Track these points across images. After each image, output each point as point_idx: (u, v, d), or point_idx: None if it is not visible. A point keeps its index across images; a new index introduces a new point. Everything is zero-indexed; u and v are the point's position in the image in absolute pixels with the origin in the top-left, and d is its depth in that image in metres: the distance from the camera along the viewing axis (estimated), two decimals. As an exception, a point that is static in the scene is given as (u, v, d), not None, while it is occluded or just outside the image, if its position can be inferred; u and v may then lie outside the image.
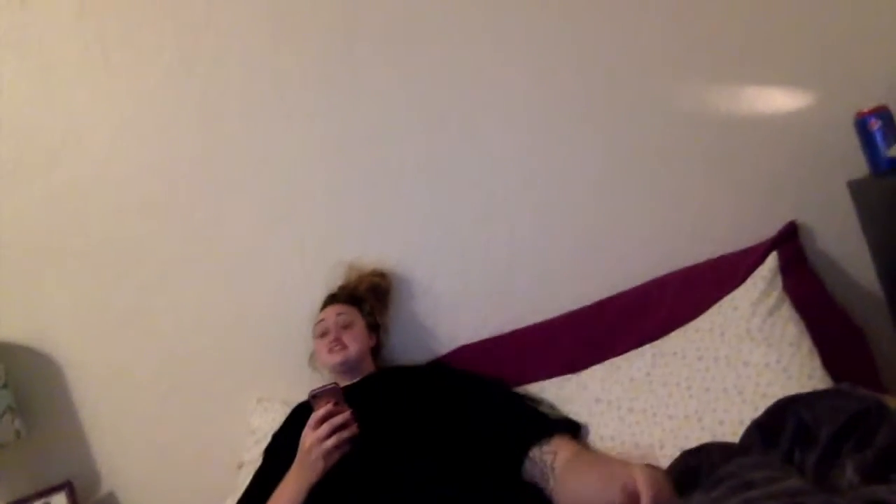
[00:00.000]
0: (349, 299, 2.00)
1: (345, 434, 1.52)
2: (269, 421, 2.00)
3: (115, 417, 2.15)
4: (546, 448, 1.52)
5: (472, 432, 1.61)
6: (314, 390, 1.55)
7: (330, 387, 1.55)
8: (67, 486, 2.06)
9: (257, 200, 2.14)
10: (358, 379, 1.86)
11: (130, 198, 2.14)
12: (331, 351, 1.86)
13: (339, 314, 1.92)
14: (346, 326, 1.90)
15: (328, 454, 1.51)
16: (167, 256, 2.15)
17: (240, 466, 1.99)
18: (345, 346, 1.86)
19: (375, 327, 2.02)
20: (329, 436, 1.51)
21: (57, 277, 2.15)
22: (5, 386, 2.03)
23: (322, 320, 1.93)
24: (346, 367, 1.86)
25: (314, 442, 1.51)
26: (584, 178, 2.06)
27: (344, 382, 1.84)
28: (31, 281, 2.15)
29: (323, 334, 1.91)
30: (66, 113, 2.15)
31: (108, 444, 2.15)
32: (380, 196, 2.11)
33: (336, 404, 1.54)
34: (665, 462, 1.38)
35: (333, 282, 2.07)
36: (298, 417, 1.76)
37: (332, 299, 2.02)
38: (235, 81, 2.12)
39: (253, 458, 1.94)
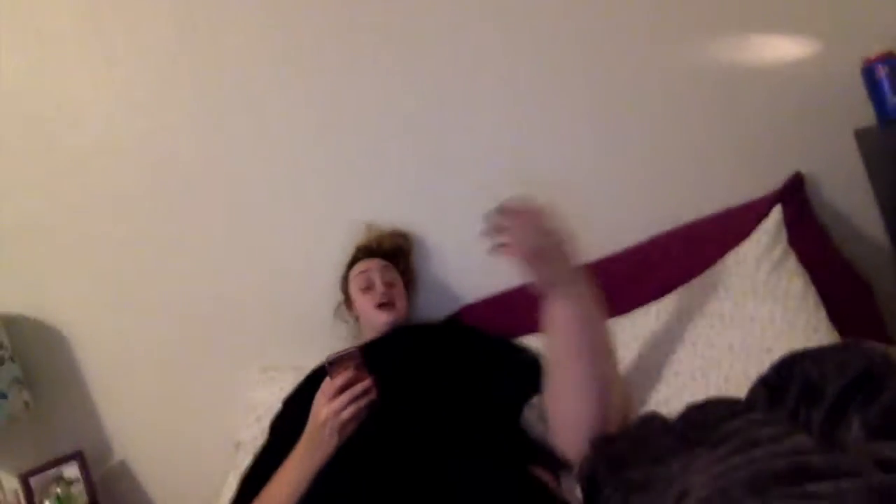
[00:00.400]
0: (385, 255, 1.95)
1: (363, 403, 1.38)
2: (276, 392, 1.91)
3: (123, 387, 2.16)
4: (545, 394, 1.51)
5: (481, 388, 1.59)
6: (331, 355, 1.39)
7: (350, 351, 1.40)
8: (78, 456, 2.08)
9: (258, 165, 2.12)
10: (383, 334, 1.80)
11: (130, 169, 2.13)
12: (380, 307, 1.80)
13: (383, 268, 1.87)
14: (392, 284, 1.86)
15: (343, 427, 1.38)
16: (167, 226, 2.13)
17: (236, 447, 1.95)
18: (395, 306, 1.81)
19: (407, 286, 1.98)
20: (346, 406, 1.37)
21: (60, 250, 2.15)
22: (12, 359, 2.04)
23: (365, 271, 1.86)
24: (391, 327, 1.80)
25: (330, 414, 1.37)
26: (583, 135, 2.03)
27: (370, 336, 1.81)
28: (35, 254, 2.15)
29: (368, 287, 1.84)
30: (61, 85, 2.12)
31: (117, 414, 2.16)
32: (388, 161, 2.09)
33: (357, 370, 1.39)
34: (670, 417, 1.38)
35: (349, 241, 2.04)
36: (315, 383, 1.54)
37: (368, 253, 1.96)
38: (233, 48, 2.09)
39: (253, 435, 1.88)
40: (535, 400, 1.54)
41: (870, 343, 1.17)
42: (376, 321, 1.81)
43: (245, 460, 1.69)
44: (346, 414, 1.37)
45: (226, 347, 2.14)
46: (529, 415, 1.53)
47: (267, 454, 1.60)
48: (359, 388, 1.38)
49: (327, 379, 1.40)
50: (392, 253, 1.97)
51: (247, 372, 2.10)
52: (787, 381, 1.15)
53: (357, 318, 1.94)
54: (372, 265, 1.88)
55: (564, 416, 1.37)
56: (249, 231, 2.13)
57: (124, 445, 2.17)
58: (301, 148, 2.11)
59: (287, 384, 1.89)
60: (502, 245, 1.35)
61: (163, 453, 2.16)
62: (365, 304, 1.84)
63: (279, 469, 1.46)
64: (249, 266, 2.13)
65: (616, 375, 1.42)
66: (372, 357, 1.44)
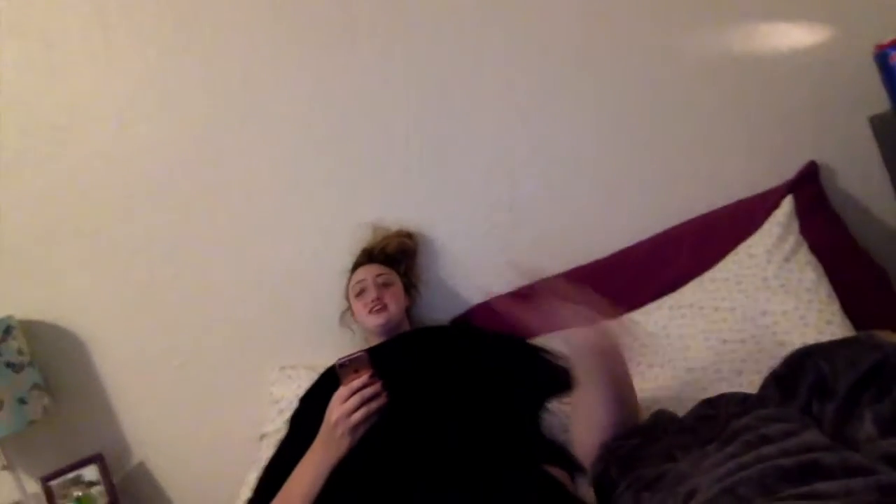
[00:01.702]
0: (385, 260, 1.97)
1: (373, 406, 1.43)
2: (294, 389, 1.98)
3: (142, 390, 2.17)
4: (566, 401, 1.51)
5: (494, 389, 1.59)
6: (341, 359, 1.44)
7: (358, 355, 1.45)
8: (98, 458, 2.09)
9: (268, 168, 2.11)
10: (393, 336, 1.82)
11: (142, 174, 2.13)
12: (372, 311, 1.81)
13: (378, 274, 1.88)
14: (386, 286, 1.87)
15: (355, 429, 1.43)
16: (180, 228, 2.14)
17: (261, 438, 2.00)
18: (385, 307, 1.82)
19: (409, 288, 1.99)
20: (357, 409, 1.42)
21: (77, 257, 2.15)
22: (32, 364, 2.05)
23: (361, 280, 1.89)
24: (386, 329, 1.81)
25: (341, 416, 1.42)
26: (593, 129, 2.02)
27: (373, 342, 1.83)
28: (53, 261, 2.16)
29: (362, 293, 1.86)
30: (70, 90, 2.13)
31: (136, 417, 2.17)
32: (391, 164, 2.08)
33: (366, 374, 1.44)
34: (682, 412, 1.37)
35: (356, 244, 2.05)
36: (328, 382, 1.68)
37: (367, 258, 1.98)
38: (237, 53, 2.09)
39: (276, 428, 1.94)
40: (555, 407, 1.52)
41: (880, 337, 1.15)
42: (369, 324, 1.83)
43: (268, 452, 1.75)
44: (357, 416, 1.42)
45: (242, 349, 2.15)
46: (551, 421, 1.52)
47: (285, 449, 1.65)
48: (368, 391, 1.43)
49: (340, 385, 1.45)
50: (395, 256, 1.99)
51: (265, 372, 2.11)
52: (798, 375, 1.14)
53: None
54: (368, 273, 1.89)
55: (586, 439, 1.37)
56: (261, 233, 2.13)
57: (143, 448, 2.18)
58: (310, 151, 2.10)
59: (304, 382, 1.94)
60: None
61: (182, 455, 2.17)
62: (359, 309, 1.86)
63: (296, 468, 1.50)
64: (262, 269, 2.14)
65: (635, 402, 1.41)
66: (379, 360, 1.48)
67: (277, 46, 2.08)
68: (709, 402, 1.26)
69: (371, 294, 1.83)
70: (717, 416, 1.18)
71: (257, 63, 2.08)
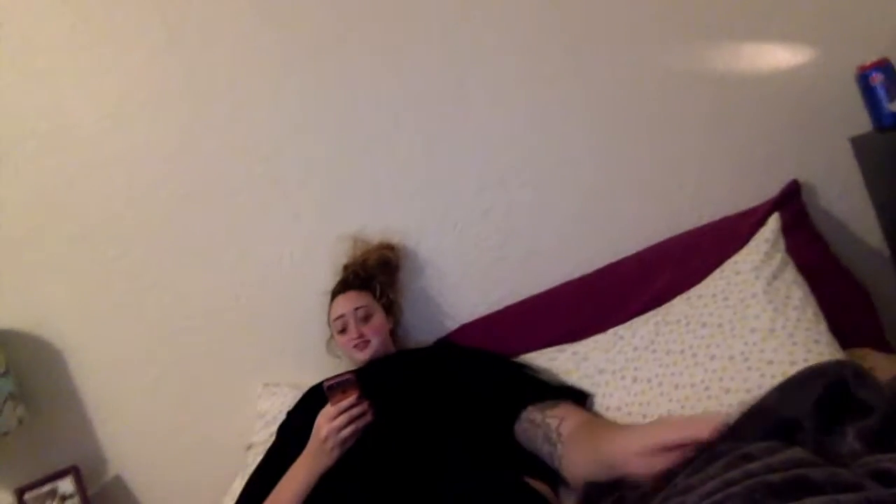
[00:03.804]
0: (361, 282, 1.96)
1: (360, 423, 1.53)
2: (278, 405, 1.99)
3: (119, 401, 2.14)
4: (550, 413, 1.50)
5: (472, 399, 1.62)
6: (329, 381, 1.53)
7: (346, 377, 1.54)
8: (74, 471, 2.06)
9: (251, 178, 2.10)
10: (376, 358, 1.86)
11: (122, 180, 2.12)
12: (356, 347, 1.84)
13: (356, 308, 1.87)
14: (366, 318, 1.88)
15: (343, 443, 1.52)
16: (162, 238, 2.12)
17: (248, 448, 1.99)
18: (367, 341, 1.84)
19: (390, 307, 1.99)
20: (346, 426, 1.51)
21: (53, 263, 2.14)
22: (6, 373, 2.02)
23: (340, 316, 1.88)
24: (374, 360, 1.85)
25: (330, 432, 1.51)
26: (579, 145, 2.02)
27: (360, 364, 1.85)
28: (29, 268, 2.14)
29: (343, 329, 1.88)
30: (52, 96, 2.11)
31: (112, 428, 2.15)
32: (376, 172, 2.08)
33: (354, 394, 1.53)
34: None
35: (338, 257, 2.05)
36: (314, 398, 1.75)
37: (344, 286, 1.97)
38: (223, 57, 2.08)
39: (262, 439, 1.94)
40: (534, 415, 1.52)
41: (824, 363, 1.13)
42: (355, 358, 1.87)
43: (255, 461, 1.78)
44: (345, 432, 1.51)
45: (222, 361, 2.13)
46: (532, 429, 1.52)
47: (274, 457, 1.72)
48: (356, 410, 1.53)
49: (329, 403, 1.54)
50: (375, 271, 1.99)
51: (246, 385, 2.10)
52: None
53: None
54: (346, 307, 1.89)
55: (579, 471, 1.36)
56: (242, 242, 2.12)
57: (120, 460, 2.15)
58: (295, 158, 2.09)
59: (288, 399, 1.96)
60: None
61: (158, 468, 2.14)
62: (343, 344, 1.89)
63: (285, 476, 1.58)
64: (242, 281, 2.13)
65: None
66: (364, 381, 1.56)
67: (263, 53, 2.08)
68: None
69: (353, 332, 1.85)
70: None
71: (242, 71, 2.08)
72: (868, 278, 1.84)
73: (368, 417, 1.54)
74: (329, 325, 1.95)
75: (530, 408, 1.54)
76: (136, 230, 2.13)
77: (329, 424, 1.51)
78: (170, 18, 2.08)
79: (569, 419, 1.47)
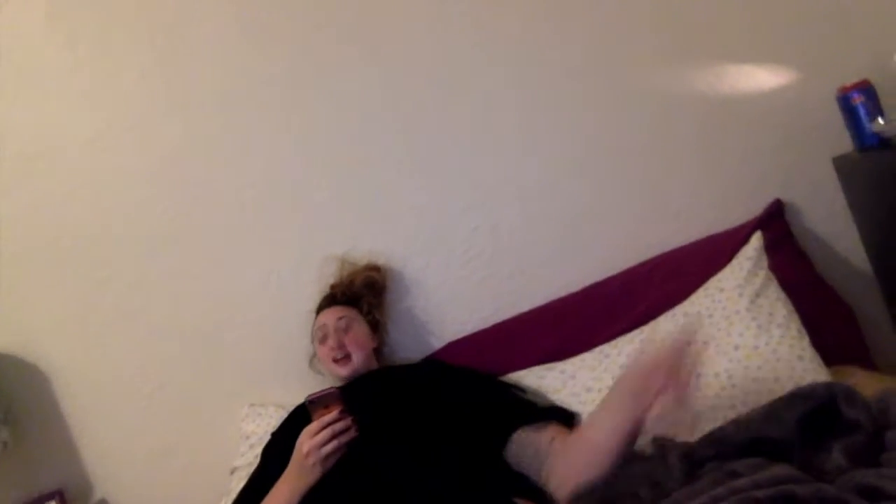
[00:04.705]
0: (347, 300, 1.95)
1: (343, 439, 1.49)
2: (263, 426, 1.98)
3: (105, 424, 2.12)
4: (541, 432, 1.51)
5: (461, 419, 1.60)
6: (311, 396, 1.50)
7: (329, 392, 1.51)
8: (58, 495, 2.04)
9: (240, 199, 2.10)
10: (360, 375, 1.83)
11: (110, 202, 2.11)
12: (336, 361, 1.81)
13: (339, 318, 1.86)
14: (348, 330, 1.85)
15: (326, 459, 1.49)
16: (149, 260, 2.11)
17: (232, 472, 1.97)
18: (348, 356, 1.81)
19: (375, 326, 1.97)
20: (328, 442, 1.48)
21: (39, 285, 2.12)
22: (-8, 396, 2.01)
23: (322, 325, 1.87)
24: (353, 376, 1.81)
25: (312, 447, 1.48)
26: (566, 164, 2.03)
27: (342, 381, 1.82)
28: (14, 289, 2.12)
29: (324, 339, 1.85)
30: (41, 118, 2.11)
31: (98, 451, 2.12)
32: (364, 191, 2.08)
33: (336, 410, 1.50)
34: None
35: (325, 278, 2.04)
36: (298, 417, 1.72)
37: (330, 301, 1.96)
38: (210, 79, 2.08)
39: (247, 462, 1.92)
40: (524, 436, 1.52)
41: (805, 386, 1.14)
42: (335, 373, 1.84)
43: (239, 483, 1.76)
44: (327, 448, 1.48)
45: (209, 384, 2.11)
46: (522, 450, 1.52)
47: (257, 479, 1.69)
48: (339, 426, 1.49)
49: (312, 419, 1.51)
50: (361, 292, 1.97)
51: (232, 408, 2.08)
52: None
53: None
54: (329, 318, 1.88)
55: (576, 462, 1.37)
56: (230, 264, 2.11)
57: (105, 484, 2.12)
58: (282, 179, 2.09)
59: (273, 419, 1.95)
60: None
61: (144, 491, 2.11)
62: (323, 356, 1.86)
63: (269, 494, 1.56)
64: (229, 304, 2.11)
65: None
66: (348, 394, 1.54)
67: (251, 76, 2.08)
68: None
69: (332, 341, 1.82)
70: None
71: (230, 94, 2.09)
72: (852, 296, 1.86)
73: (352, 433, 1.50)
74: (312, 341, 1.94)
75: (520, 430, 1.54)
76: (124, 252, 2.11)
77: (311, 441, 1.48)
78: (158, 41, 2.08)
79: (559, 437, 1.49)
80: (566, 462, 1.42)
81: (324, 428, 1.48)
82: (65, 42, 2.10)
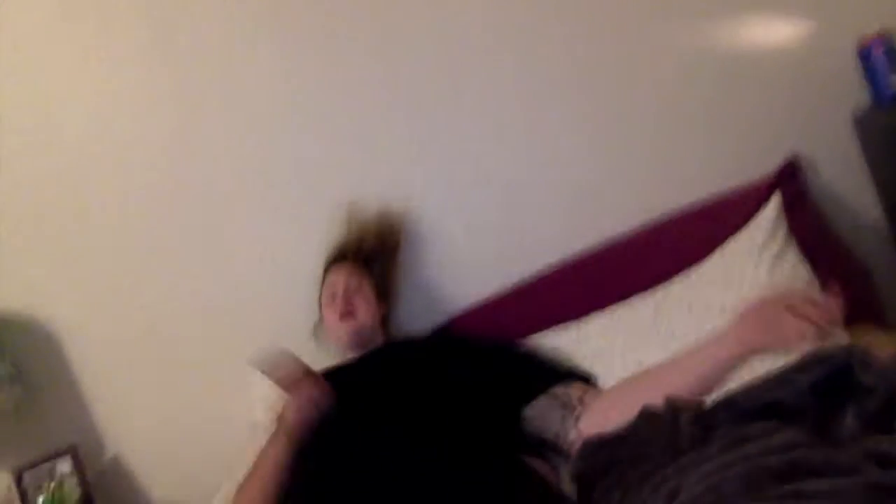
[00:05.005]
0: (358, 261, 1.89)
1: (316, 391, 1.52)
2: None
3: (117, 383, 2.14)
4: (571, 389, 1.50)
5: (480, 390, 1.57)
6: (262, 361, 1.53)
7: (284, 357, 1.54)
8: (72, 451, 2.06)
9: (243, 171, 2.09)
10: (366, 352, 1.77)
11: (113, 169, 2.11)
12: (342, 318, 1.76)
13: (350, 276, 1.82)
14: (357, 289, 1.80)
15: (300, 409, 1.51)
16: (154, 222, 2.11)
17: (253, 427, 1.92)
18: (355, 315, 1.76)
19: (385, 293, 1.92)
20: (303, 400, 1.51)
21: (50, 248, 2.13)
22: (1, 355, 2.02)
23: (332, 283, 1.82)
24: (357, 339, 1.77)
25: (286, 405, 1.53)
26: (579, 124, 2.00)
27: (351, 355, 1.78)
28: (23, 252, 2.13)
29: (332, 298, 1.80)
30: (40, 93, 2.10)
31: (110, 410, 2.14)
32: (371, 152, 2.06)
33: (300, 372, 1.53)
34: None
35: (331, 231, 2.00)
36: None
37: (340, 258, 1.91)
38: (211, 56, 2.07)
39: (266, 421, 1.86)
40: (553, 392, 1.52)
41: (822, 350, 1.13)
42: (339, 333, 1.79)
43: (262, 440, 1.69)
44: (300, 398, 1.51)
45: (221, 341, 2.12)
46: (549, 405, 1.50)
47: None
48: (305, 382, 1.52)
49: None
50: (369, 257, 1.91)
51: (246, 365, 2.08)
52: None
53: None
54: (339, 277, 1.83)
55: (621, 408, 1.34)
56: (230, 236, 2.11)
57: (118, 440, 2.15)
58: (285, 159, 2.08)
59: None
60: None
61: (157, 449, 2.14)
62: (329, 316, 1.81)
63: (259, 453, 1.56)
64: (230, 272, 2.12)
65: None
66: (359, 371, 1.58)
67: (252, 52, 2.07)
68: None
69: (340, 302, 1.77)
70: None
71: (230, 70, 2.08)
72: (867, 255, 1.83)
73: (319, 387, 1.53)
74: (319, 306, 1.89)
75: (549, 389, 1.52)
76: (130, 216, 2.12)
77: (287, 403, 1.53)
78: (158, 17, 2.06)
79: (588, 392, 1.49)
80: (616, 397, 1.42)
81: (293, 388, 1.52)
82: (63, 16, 2.08)
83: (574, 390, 1.50)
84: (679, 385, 1.27)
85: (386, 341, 1.85)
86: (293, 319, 2.05)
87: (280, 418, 1.51)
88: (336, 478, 1.47)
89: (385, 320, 1.90)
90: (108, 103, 2.10)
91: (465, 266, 2.06)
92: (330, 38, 2.03)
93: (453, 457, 1.42)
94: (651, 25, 1.96)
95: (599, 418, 1.37)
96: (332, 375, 1.65)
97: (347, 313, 1.76)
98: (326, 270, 1.91)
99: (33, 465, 2.04)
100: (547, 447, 1.50)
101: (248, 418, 1.99)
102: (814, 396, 1.02)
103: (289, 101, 2.07)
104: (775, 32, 1.93)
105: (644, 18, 1.96)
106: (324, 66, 2.04)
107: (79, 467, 2.05)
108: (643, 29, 1.96)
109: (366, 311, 1.79)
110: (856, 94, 1.85)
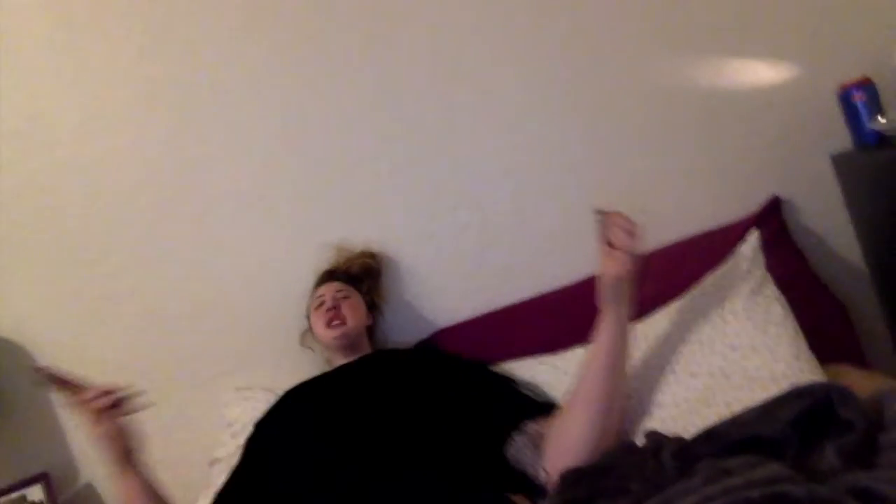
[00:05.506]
0: (347, 279, 1.95)
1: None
2: (249, 410, 1.91)
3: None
4: (541, 426, 1.51)
5: (456, 416, 1.57)
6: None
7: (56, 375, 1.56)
8: (44, 478, 2.03)
9: (232, 183, 2.09)
10: (353, 359, 1.81)
11: (101, 184, 2.09)
12: (329, 324, 1.80)
13: (338, 290, 1.87)
14: (345, 297, 1.86)
15: (96, 421, 1.55)
16: (140, 243, 2.09)
17: (212, 464, 1.92)
18: (343, 320, 1.81)
19: (372, 307, 1.98)
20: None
21: (27, 267, 2.10)
22: (-26, 379, 1.99)
23: (321, 294, 1.88)
24: (345, 342, 1.81)
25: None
26: (562, 156, 2.02)
27: (339, 361, 1.81)
28: (2, 271, 2.10)
29: (320, 305, 1.85)
30: (33, 100, 2.09)
31: (83, 436, 2.09)
32: (358, 180, 2.07)
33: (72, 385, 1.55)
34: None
35: (320, 264, 2.03)
36: (285, 405, 1.71)
37: (329, 276, 1.96)
38: (206, 62, 2.07)
39: (229, 452, 1.87)
40: (525, 433, 1.52)
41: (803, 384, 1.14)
42: (326, 338, 1.82)
43: (220, 477, 1.71)
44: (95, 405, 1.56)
45: (195, 367, 2.10)
46: (523, 447, 1.50)
47: (238, 476, 1.65)
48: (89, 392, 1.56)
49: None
50: (358, 276, 1.98)
51: (220, 391, 2.06)
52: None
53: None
54: (329, 288, 1.89)
55: (567, 432, 1.43)
56: (222, 248, 2.10)
57: (91, 468, 2.11)
58: (277, 166, 2.08)
59: (260, 404, 1.88)
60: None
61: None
62: (317, 322, 1.85)
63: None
64: (218, 286, 2.10)
65: (623, 399, 1.48)
66: (346, 376, 1.57)
67: (247, 60, 2.06)
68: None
69: (328, 305, 1.82)
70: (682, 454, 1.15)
71: (226, 75, 2.07)
72: (846, 294, 1.85)
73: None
74: (307, 317, 1.93)
75: (521, 426, 1.52)
76: (114, 236, 2.10)
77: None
78: (153, 21, 2.06)
79: (546, 424, 1.50)
80: (556, 444, 1.44)
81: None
82: (57, 20, 2.07)
83: (541, 426, 1.51)
84: (601, 375, 1.43)
85: (373, 350, 1.90)
86: (272, 351, 2.07)
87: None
88: (317, 487, 1.47)
89: (372, 331, 1.96)
90: (100, 121, 2.09)
91: (447, 291, 2.07)
92: (329, 79, 2.06)
93: (433, 481, 1.41)
94: (633, 65, 1.99)
95: (558, 448, 1.43)
96: (320, 381, 1.71)
97: (335, 317, 1.81)
98: (317, 286, 1.96)
99: (4, 493, 2.00)
100: (529, 481, 1.49)
101: (218, 451, 1.97)
102: (794, 431, 1.02)
103: (282, 117, 2.08)
104: (760, 76, 1.97)
105: (626, 59, 1.99)
106: (320, 96, 2.06)
107: (51, 495, 2.01)
108: (625, 69, 1.99)
109: (353, 317, 1.84)
110: (836, 136, 1.89)
